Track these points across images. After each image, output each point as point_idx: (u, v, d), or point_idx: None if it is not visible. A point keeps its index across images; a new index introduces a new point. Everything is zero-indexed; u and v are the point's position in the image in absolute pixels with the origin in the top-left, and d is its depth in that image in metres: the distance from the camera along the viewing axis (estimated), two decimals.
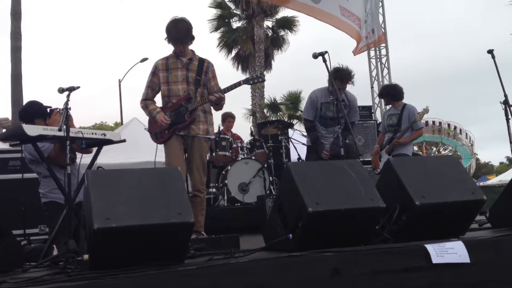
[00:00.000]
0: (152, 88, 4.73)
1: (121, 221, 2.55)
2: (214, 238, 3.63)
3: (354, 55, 11.67)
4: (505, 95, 4.97)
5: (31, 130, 3.75)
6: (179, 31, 4.56)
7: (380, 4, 11.59)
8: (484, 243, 2.99)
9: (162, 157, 4.81)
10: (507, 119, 4.88)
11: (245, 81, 4.67)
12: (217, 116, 8.61)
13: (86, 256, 2.62)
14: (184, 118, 4.55)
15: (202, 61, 4.72)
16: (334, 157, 5.45)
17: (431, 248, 2.75)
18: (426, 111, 6.42)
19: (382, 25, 11.67)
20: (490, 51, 5.33)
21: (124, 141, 4.26)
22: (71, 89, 4.16)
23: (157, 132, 4.68)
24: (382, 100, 11.99)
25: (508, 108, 4.99)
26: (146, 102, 4.73)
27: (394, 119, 6.43)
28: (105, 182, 2.72)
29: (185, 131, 4.59)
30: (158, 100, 4.83)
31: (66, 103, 4.04)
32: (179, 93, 4.61)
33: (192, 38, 4.67)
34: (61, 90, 4.14)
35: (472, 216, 3.35)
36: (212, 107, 4.73)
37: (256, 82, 4.81)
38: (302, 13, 10.27)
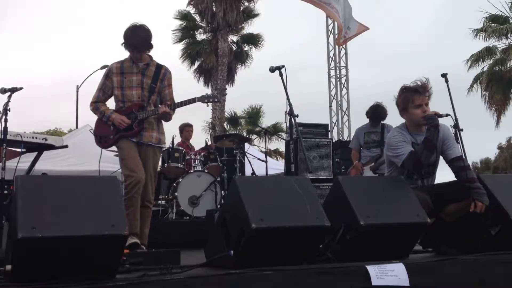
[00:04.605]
0: (104, 91, 4.57)
1: (48, 231, 2.40)
2: (153, 252, 3.49)
3: (339, 46, 11.93)
4: (456, 119, 5.01)
5: None
6: (137, 38, 4.42)
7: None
8: (425, 266, 2.97)
9: (109, 167, 4.63)
10: (457, 144, 4.92)
11: (200, 99, 4.56)
12: (172, 127, 8.44)
13: (8, 267, 2.45)
14: (132, 126, 4.40)
15: (159, 67, 4.58)
16: None
17: (372, 269, 2.70)
18: None
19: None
20: (444, 75, 5.39)
21: (66, 146, 4.09)
22: (13, 90, 3.98)
23: (102, 136, 4.50)
24: (341, 118, 12.22)
25: (458, 132, 5.03)
26: (97, 104, 4.56)
27: (373, 136, 6.53)
28: (35, 188, 2.56)
29: (137, 138, 4.43)
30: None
31: (6, 104, 3.87)
32: (133, 99, 4.47)
33: (150, 46, 4.54)
34: (3, 91, 3.96)
35: (415, 238, 3.33)
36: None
37: (211, 102, 4.66)
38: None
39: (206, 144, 8.04)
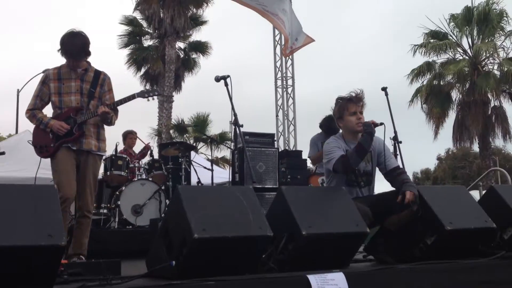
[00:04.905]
0: (41, 98, 4.44)
1: None
2: (93, 262, 3.41)
3: (285, 57, 11.98)
4: (395, 132, 5.20)
5: None
6: (74, 46, 4.33)
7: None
8: (364, 275, 3.04)
9: (49, 174, 4.47)
10: (396, 155, 5.10)
11: (139, 94, 4.50)
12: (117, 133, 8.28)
13: None
14: (71, 131, 4.29)
15: (98, 73, 4.50)
16: None
17: (313, 279, 2.74)
18: None
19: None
20: (384, 89, 5.60)
21: (3, 153, 3.93)
22: None
23: (42, 145, 4.36)
24: (287, 128, 12.36)
25: (397, 144, 5.22)
26: (34, 111, 4.42)
27: None
28: None
29: (77, 145, 4.32)
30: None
31: None
32: (71, 105, 4.37)
33: (88, 53, 4.45)
34: None
35: (356, 247, 3.41)
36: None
37: (151, 96, 4.60)
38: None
39: (151, 152, 7.97)
